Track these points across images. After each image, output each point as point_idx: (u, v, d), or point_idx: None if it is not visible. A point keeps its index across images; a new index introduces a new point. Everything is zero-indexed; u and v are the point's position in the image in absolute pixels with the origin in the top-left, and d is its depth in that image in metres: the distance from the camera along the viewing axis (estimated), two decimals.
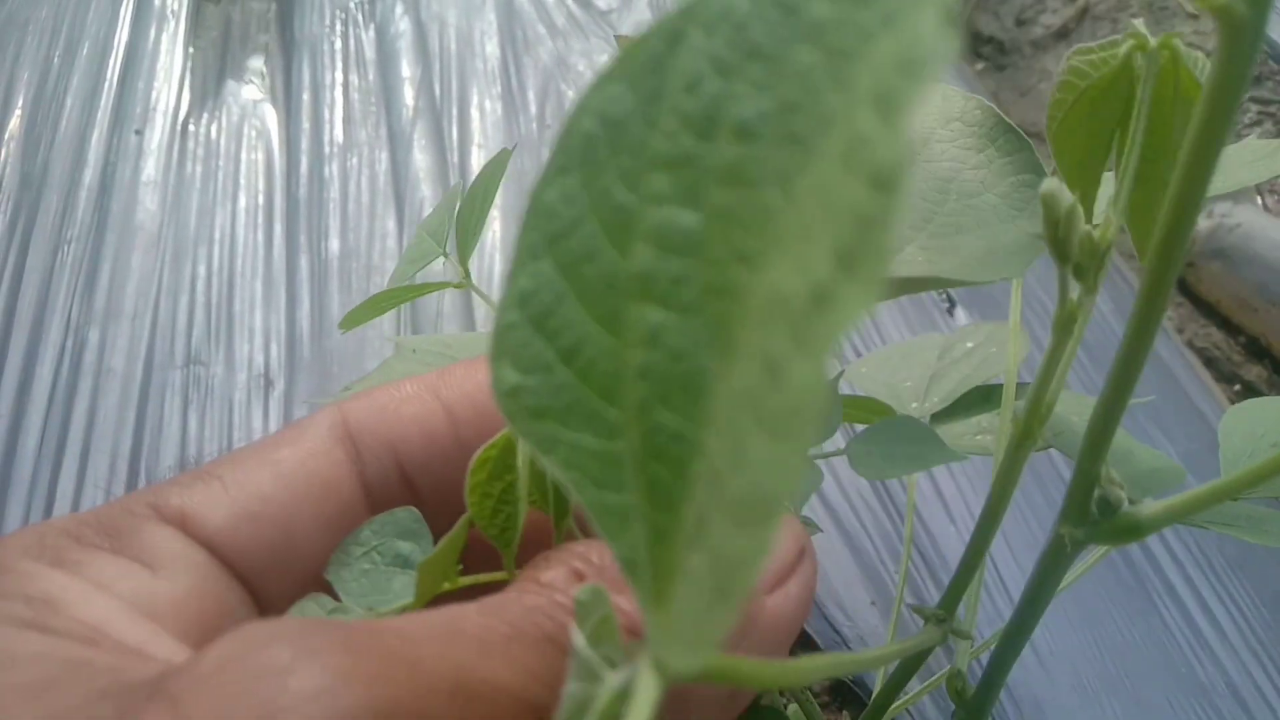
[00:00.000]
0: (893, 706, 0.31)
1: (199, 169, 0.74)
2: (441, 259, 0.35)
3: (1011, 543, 0.57)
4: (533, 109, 0.80)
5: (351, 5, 0.87)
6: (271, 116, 0.78)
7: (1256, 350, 0.85)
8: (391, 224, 0.71)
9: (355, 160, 0.75)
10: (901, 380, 0.36)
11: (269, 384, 0.62)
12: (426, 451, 0.22)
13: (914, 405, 0.35)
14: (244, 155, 0.75)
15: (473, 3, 0.88)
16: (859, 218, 0.09)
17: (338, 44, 0.84)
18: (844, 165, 0.09)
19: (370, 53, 0.83)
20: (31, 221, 0.70)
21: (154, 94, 0.79)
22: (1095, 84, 0.18)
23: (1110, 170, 0.21)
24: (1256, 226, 0.86)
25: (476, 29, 0.86)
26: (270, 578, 0.20)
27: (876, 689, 0.37)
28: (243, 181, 0.73)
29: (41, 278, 0.67)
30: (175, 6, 0.85)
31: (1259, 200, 0.97)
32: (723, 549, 0.10)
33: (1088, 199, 0.19)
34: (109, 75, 0.80)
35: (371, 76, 0.81)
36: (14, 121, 0.76)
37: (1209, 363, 0.84)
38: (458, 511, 0.20)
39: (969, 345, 0.36)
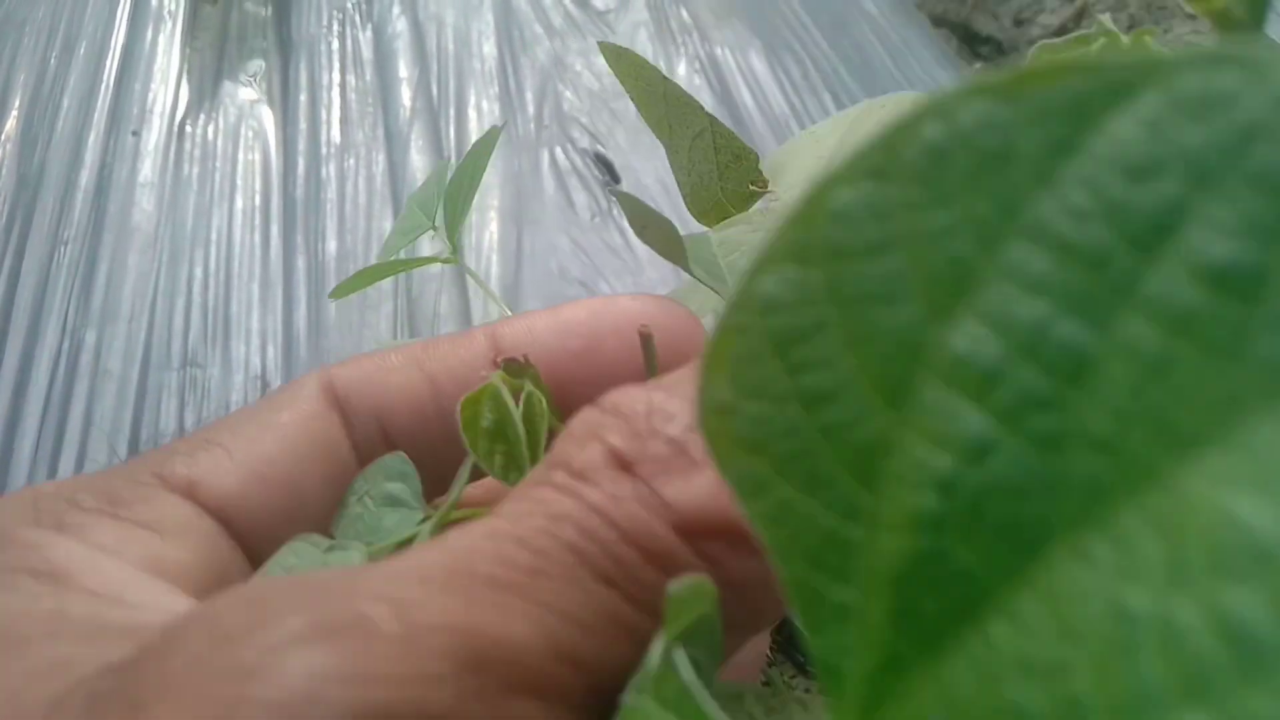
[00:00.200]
0: None
1: (196, 170, 0.74)
2: (430, 233, 0.35)
3: None
4: (530, 109, 0.80)
5: (349, 5, 0.87)
6: (268, 117, 0.77)
7: None
8: (388, 224, 0.71)
9: (352, 161, 0.75)
10: None
11: (265, 385, 0.62)
12: (410, 420, 0.22)
13: None
14: (241, 156, 0.75)
15: (470, 3, 0.88)
16: None
17: (335, 44, 0.83)
18: None
19: (367, 53, 0.83)
20: (28, 223, 0.70)
21: (151, 95, 0.78)
22: None
23: None
24: None
25: (474, 29, 0.86)
26: (280, 542, 0.20)
27: None
28: (239, 182, 0.73)
29: (38, 279, 0.66)
30: (172, 7, 0.85)
31: None
32: None
33: None
34: (106, 76, 0.79)
35: (369, 77, 0.81)
36: (10, 122, 0.75)
37: None
38: (439, 479, 0.20)
39: None
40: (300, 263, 0.68)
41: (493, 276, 0.69)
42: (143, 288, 0.66)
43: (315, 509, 0.21)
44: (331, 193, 0.73)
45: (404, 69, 0.82)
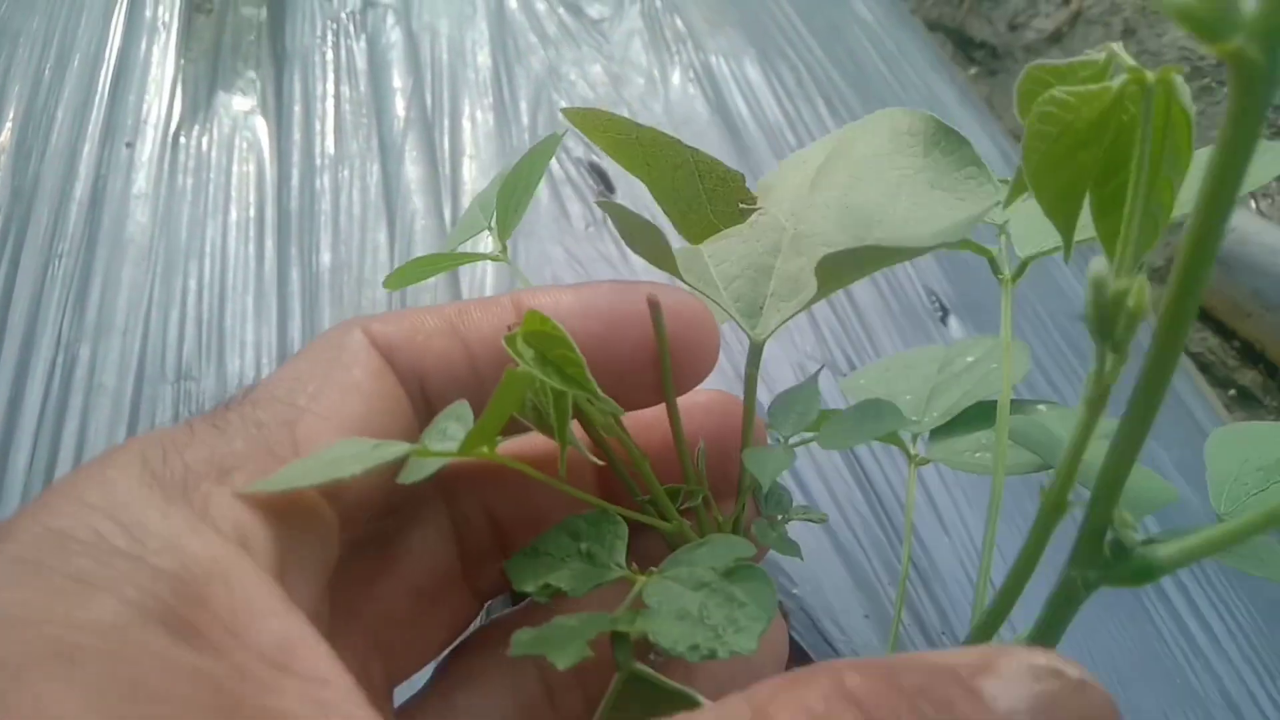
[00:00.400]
0: None
1: (190, 181, 0.73)
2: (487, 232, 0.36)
3: (1006, 554, 0.57)
4: (525, 119, 0.80)
5: (342, 16, 0.87)
6: (263, 128, 0.77)
7: (1251, 355, 0.85)
8: (383, 237, 0.71)
9: (347, 172, 0.75)
10: (901, 393, 0.36)
11: None
12: (447, 385, 0.23)
13: (913, 419, 0.35)
14: (235, 167, 0.75)
15: (464, 12, 0.88)
16: None
17: (329, 55, 0.83)
18: None
19: (361, 63, 0.83)
20: (22, 235, 0.70)
21: (145, 106, 0.78)
22: (1083, 118, 0.17)
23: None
24: (1250, 231, 0.86)
25: (468, 39, 0.86)
26: (372, 504, 0.21)
27: None
28: (234, 194, 0.73)
29: (32, 292, 0.66)
30: (166, 18, 0.85)
31: (1252, 205, 0.97)
32: None
33: (1068, 230, 0.18)
34: (100, 87, 0.79)
35: (363, 87, 0.81)
36: (4, 134, 0.75)
37: (1204, 368, 0.84)
38: None
39: (969, 359, 0.36)
40: (295, 274, 0.68)
41: (488, 287, 0.69)
42: (137, 300, 0.66)
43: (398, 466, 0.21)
44: (326, 204, 0.73)
45: (398, 79, 0.82)
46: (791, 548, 0.26)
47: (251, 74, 0.82)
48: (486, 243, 0.34)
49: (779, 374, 0.63)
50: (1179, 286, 0.14)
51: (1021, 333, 0.69)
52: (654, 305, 0.23)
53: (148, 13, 0.85)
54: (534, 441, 0.24)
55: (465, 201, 0.74)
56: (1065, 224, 0.18)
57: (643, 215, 0.25)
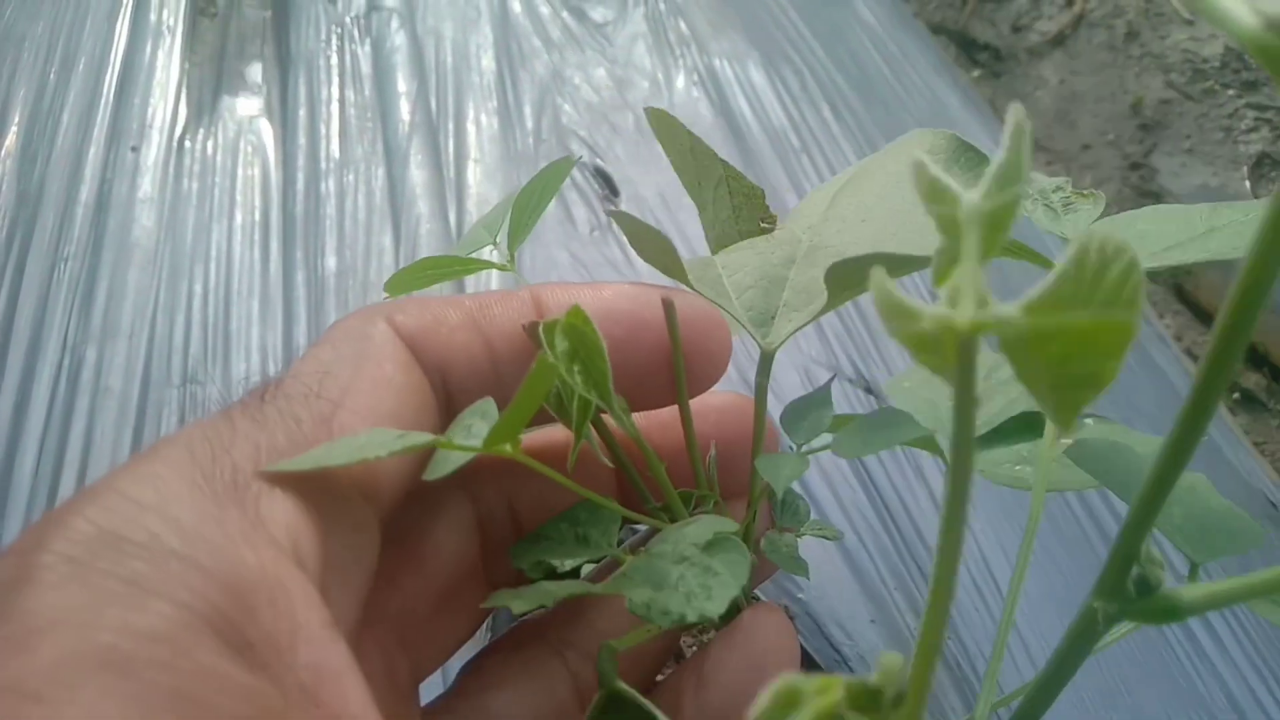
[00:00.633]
0: None
1: (195, 185, 0.74)
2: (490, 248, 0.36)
3: (1009, 554, 0.57)
4: (529, 123, 0.80)
5: (347, 20, 0.87)
6: (268, 132, 0.78)
7: (1254, 358, 0.85)
8: (388, 240, 0.71)
9: (352, 176, 0.75)
10: (944, 397, 0.36)
11: None
12: (468, 380, 0.23)
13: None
14: (240, 171, 0.75)
15: (468, 17, 0.88)
16: None
17: (334, 59, 0.84)
18: None
19: (366, 67, 0.83)
20: (28, 239, 0.70)
21: (150, 110, 0.79)
22: None
23: None
24: None
25: (472, 43, 0.86)
26: (404, 499, 0.21)
27: None
28: (239, 198, 0.73)
29: (38, 296, 0.67)
30: (171, 22, 0.85)
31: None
32: None
33: None
34: (105, 91, 0.80)
35: (367, 91, 0.81)
36: (10, 138, 0.76)
37: None
38: None
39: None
40: (300, 278, 0.68)
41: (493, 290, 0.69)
42: (143, 304, 0.67)
43: (426, 456, 0.21)
44: (331, 208, 0.73)
45: (402, 83, 0.82)
46: (799, 566, 0.26)
47: (256, 78, 0.82)
48: (492, 254, 0.34)
49: (785, 379, 0.63)
50: (1228, 326, 0.14)
51: None
52: (669, 307, 0.23)
53: (152, 16, 0.85)
54: (555, 435, 0.24)
55: (470, 205, 0.74)
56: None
57: (649, 222, 0.25)
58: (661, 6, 0.91)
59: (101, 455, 0.59)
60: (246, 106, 0.79)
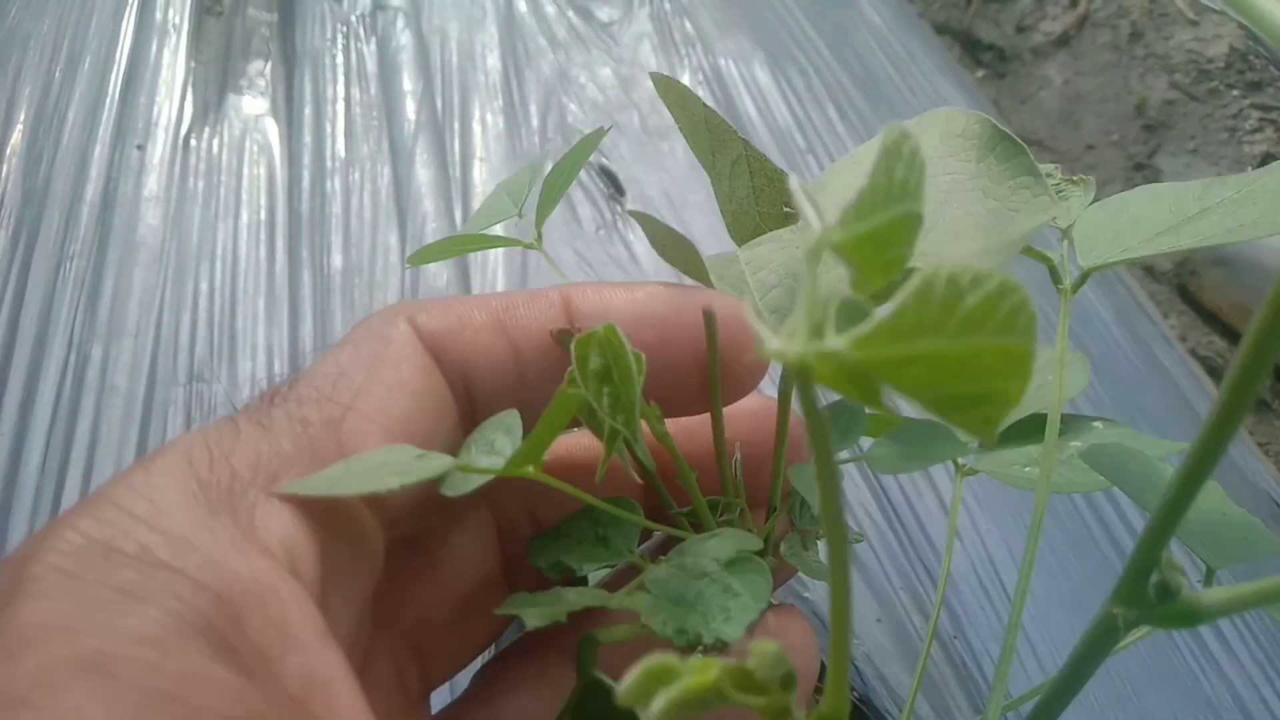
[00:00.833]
0: None
1: (201, 184, 0.74)
2: (516, 218, 0.36)
3: (1014, 553, 0.57)
4: (534, 122, 0.80)
5: (353, 19, 0.87)
6: (273, 130, 0.78)
7: None
8: (394, 239, 0.71)
9: (357, 175, 0.75)
10: None
11: None
12: (493, 383, 0.22)
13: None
14: (246, 170, 0.75)
15: (474, 16, 0.88)
16: None
17: (339, 57, 0.84)
18: None
19: (372, 66, 0.83)
20: (34, 237, 0.70)
21: (156, 108, 0.79)
22: None
23: None
24: None
25: (478, 42, 0.86)
26: (415, 511, 0.21)
27: None
28: (245, 196, 0.73)
29: (44, 294, 0.66)
30: (176, 20, 0.85)
31: None
32: None
33: None
34: (110, 89, 0.80)
35: (373, 90, 0.81)
36: (16, 136, 0.76)
37: (1212, 371, 0.84)
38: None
39: None
40: (306, 277, 0.68)
41: (498, 288, 0.69)
42: (148, 302, 0.67)
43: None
44: (336, 207, 0.73)
45: (408, 82, 0.82)
46: (821, 569, 0.26)
47: (262, 77, 0.82)
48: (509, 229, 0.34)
49: None
50: (1258, 339, 0.14)
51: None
52: (709, 317, 0.23)
53: (158, 15, 0.85)
54: (580, 443, 0.24)
55: (476, 204, 0.74)
56: None
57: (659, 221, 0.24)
58: (667, 6, 0.91)
59: (107, 453, 0.59)
60: (252, 105, 0.79)
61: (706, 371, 0.23)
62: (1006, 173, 0.25)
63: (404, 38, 0.85)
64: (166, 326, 0.65)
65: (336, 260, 0.70)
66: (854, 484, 0.58)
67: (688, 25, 0.89)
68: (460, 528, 0.24)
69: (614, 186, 0.75)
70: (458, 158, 0.77)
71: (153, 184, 0.73)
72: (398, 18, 0.87)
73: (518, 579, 0.25)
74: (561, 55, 0.85)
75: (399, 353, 0.21)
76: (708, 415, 0.24)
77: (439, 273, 0.69)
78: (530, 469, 0.19)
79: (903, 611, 0.54)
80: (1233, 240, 0.25)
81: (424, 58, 0.84)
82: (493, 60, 0.84)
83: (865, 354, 0.11)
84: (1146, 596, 0.19)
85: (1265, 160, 1.01)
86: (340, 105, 0.80)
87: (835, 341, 0.11)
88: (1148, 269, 0.90)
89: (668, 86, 0.26)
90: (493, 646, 0.27)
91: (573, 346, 0.20)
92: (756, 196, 0.26)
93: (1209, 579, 0.24)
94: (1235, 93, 1.06)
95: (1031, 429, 0.32)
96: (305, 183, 0.74)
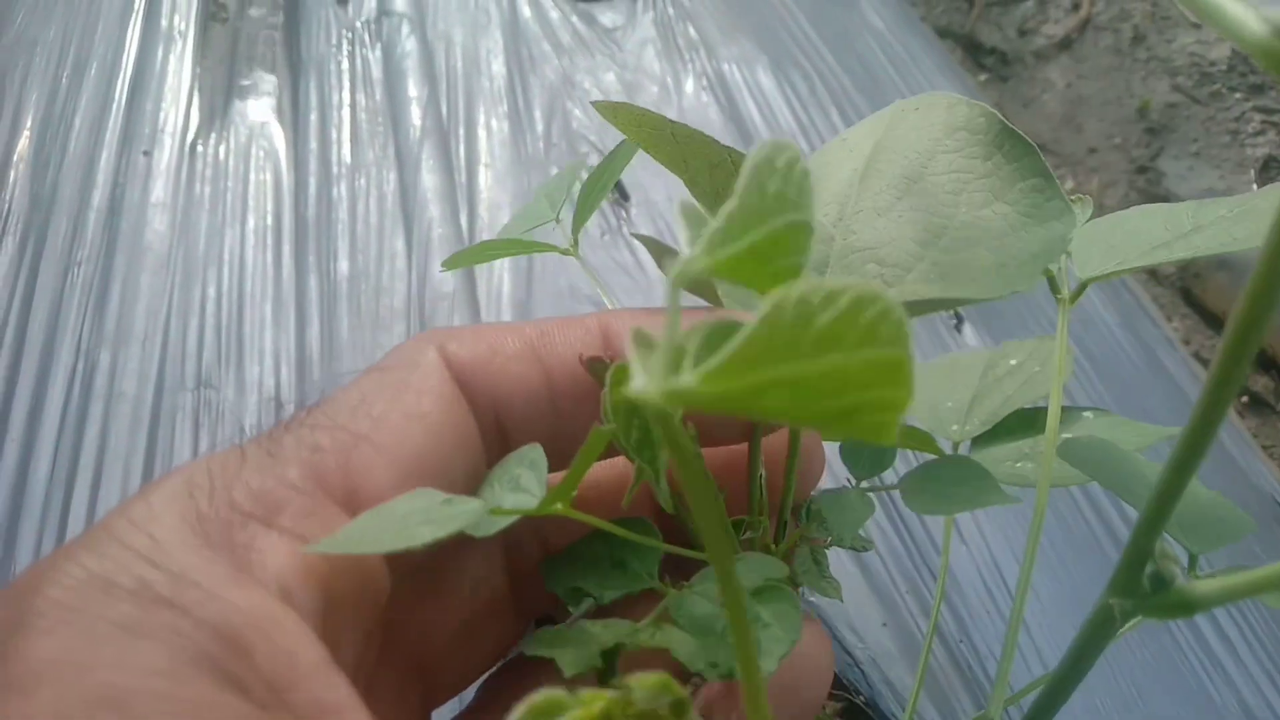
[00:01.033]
0: None
1: (207, 190, 0.74)
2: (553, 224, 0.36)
3: (1016, 552, 0.57)
4: (539, 127, 0.80)
5: (358, 25, 0.87)
6: (279, 136, 0.78)
7: (1263, 361, 0.85)
8: (400, 245, 0.71)
9: (363, 181, 0.75)
10: (943, 400, 0.35)
11: (280, 407, 0.62)
12: (526, 413, 0.22)
13: (955, 428, 0.33)
14: (252, 176, 0.75)
15: (479, 22, 0.88)
16: None
17: (344, 64, 0.84)
18: None
19: (377, 72, 0.83)
20: (41, 244, 0.70)
21: (162, 114, 0.79)
22: None
23: None
24: None
25: (482, 48, 0.86)
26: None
27: None
28: (251, 202, 0.73)
29: (52, 300, 0.67)
30: (183, 27, 0.86)
31: None
32: None
33: None
34: (117, 96, 0.80)
35: (378, 96, 0.81)
36: (22, 143, 0.76)
37: None
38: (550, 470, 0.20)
39: (1012, 362, 0.35)
40: (313, 283, 0.69)
41: (504, 294, 0.69)
42: (156, 308, 0.67)
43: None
44: (343, 212, 0.73)
45: (413, 88, 0.82)
46: (832, 587, 0.26)
47: (267, 83, 0.82)
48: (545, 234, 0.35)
49: None
50: (1241, 324, 0.14)
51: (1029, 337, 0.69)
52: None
53: (164, 21, 0.86)
54: (601, 471, 0.24)
55: (481, 210, 0.74)
56: None
57: (660, 226, 0.24)
58: (671, 11, 0.91)
59: (116, 460, 0.59)
60: (258, 111, 0.80)
61: None
62: (1016, 174, 0.24)
63: (409, 44, 0.86)
64: (174, 332, 0.65)
65: (343, 266, 0.70)
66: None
67: (691, 30, 0.90)
68: (469, 550, 0.24)
69: (618, 192, 0.76)
70: (463, 163, 0.77)
71: (159, 190, 0.74)
72: (402, 24, 0.87)
73: (526, 598, 0.25)
74: (566, 61, 0.86)
75: (423, 382, 0.20)
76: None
77: (446, 278, 0.69)
78: (559, 506, 0.19)
79: (909, 616, 0.54)
80: (1226, 251, 0.25)
81: (429, 64, 0.84)
82: (497, 66, 0.85)
83: (716, 387, 0.11)
84: (1141, 587, 0.19)
85: (1267, 163, 1.01)
86: (346, 111, 0.80)
87: (685, 378, 0.11)
88: (1151, 273, 0.90)
89: (615, 111, 0.25)
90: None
91: (608, 374, 0.20)
92: None
93: (1192, 565, 0.24)
94: (1238, 95, 1.06)
95: (1020, 424, 0.32)
96: (311, 188, 0.74)
